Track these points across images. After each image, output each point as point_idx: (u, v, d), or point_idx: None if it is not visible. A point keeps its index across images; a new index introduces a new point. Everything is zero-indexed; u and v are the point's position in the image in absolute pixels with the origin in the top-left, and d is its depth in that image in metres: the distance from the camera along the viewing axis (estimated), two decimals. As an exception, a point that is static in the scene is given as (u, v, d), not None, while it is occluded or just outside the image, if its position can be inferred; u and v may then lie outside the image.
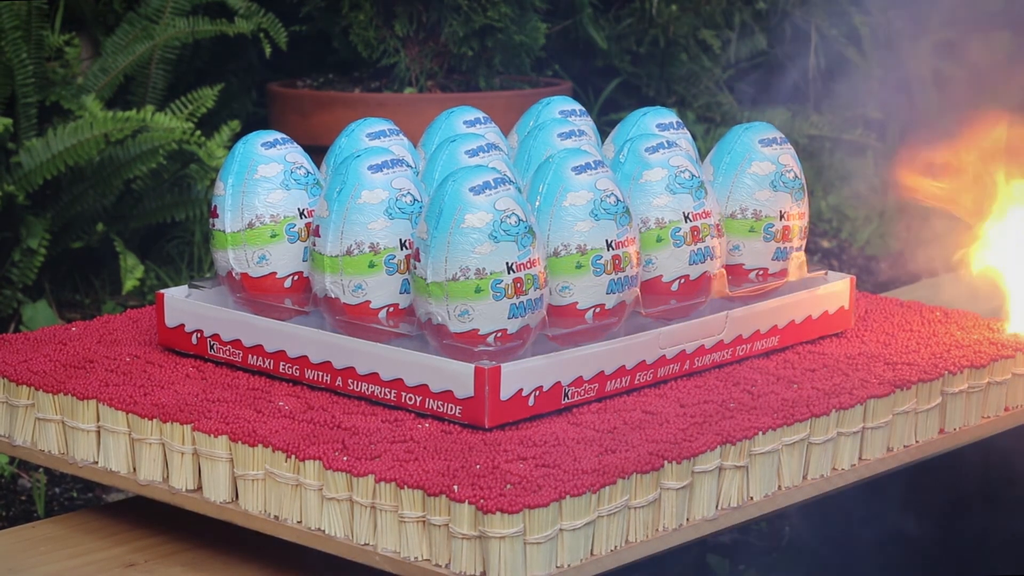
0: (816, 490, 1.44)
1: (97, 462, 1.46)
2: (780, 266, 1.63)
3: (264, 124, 3.47)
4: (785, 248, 1.63)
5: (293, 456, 1.33)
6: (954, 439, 1.56)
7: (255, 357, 1.51)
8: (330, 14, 3.43)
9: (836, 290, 1.65)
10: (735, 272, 1.62)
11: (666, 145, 1.55)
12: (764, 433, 1.39)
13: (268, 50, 3.30)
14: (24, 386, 1.49)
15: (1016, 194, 1.76)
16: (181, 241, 3.26)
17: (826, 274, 1.67)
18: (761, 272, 1.63)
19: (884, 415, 1.49)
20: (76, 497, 2.39)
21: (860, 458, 1.48)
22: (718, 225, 1.56)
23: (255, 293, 1.55)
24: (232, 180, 1.54)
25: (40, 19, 2.97)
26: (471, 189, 1.39)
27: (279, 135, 1.57)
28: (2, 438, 1.52)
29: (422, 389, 1.40)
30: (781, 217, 1.62)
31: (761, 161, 1.62)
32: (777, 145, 1.64)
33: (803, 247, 1.66)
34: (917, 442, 1.53)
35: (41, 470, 2.40)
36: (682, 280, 1.54)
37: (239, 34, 3.25)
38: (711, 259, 1.55)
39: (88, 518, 1.52)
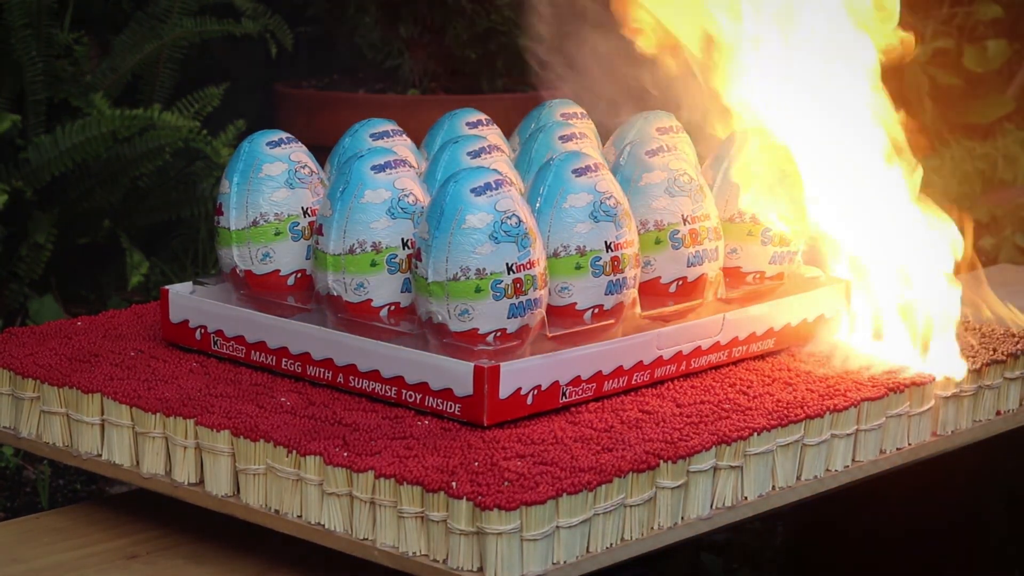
0: (810, 491, 1.45)
1: (101, 455, 1.47)
2: (777, 269, 1.64)
3: (269, 123, 3.47)
4: (783, 252, 1.64)
5: (294, 451, 1.34)
6: (947, 442, 1.57)
7: (258, 353, 1.53)
8: (336, 16, 3.44)
9: (832, 293, 1.66)
10: (732, 275, 1.63)
11: (666, 149, 1.56)
12: (759, 434, 1.40)
13: (274, 50, 3.31)
14: (30, 379, 1.50)
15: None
16: (186, 238, 3.27)
17: (822, 277, 1.68)
18: (758, 275, 1.64)
19: (877, 417, 1.50)
20: (80, 489, 2.41)
21: (853, 460, 1.49)
22: (716, 228, 1.57)
23: (258, 290, 1.56)
24: (237, 178, 1.55)
25: (49, 17, 2.99)
26: (472, 190, 1.40)
27: (284, 134, 1.58)
28: (7, 430, 1.53)
29: (422, 387, 1.41)
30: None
31: (760, 166, 1.63)
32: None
33: (800, 251, 1.66)
34: (910, 444, 1.54)
35: (45, 462, 2.42)
36: (680, 282, 1.56)
37: (246, 34, 3.27)
38: (709, 262, 1.56)
39: (91, 510, 1.53)
